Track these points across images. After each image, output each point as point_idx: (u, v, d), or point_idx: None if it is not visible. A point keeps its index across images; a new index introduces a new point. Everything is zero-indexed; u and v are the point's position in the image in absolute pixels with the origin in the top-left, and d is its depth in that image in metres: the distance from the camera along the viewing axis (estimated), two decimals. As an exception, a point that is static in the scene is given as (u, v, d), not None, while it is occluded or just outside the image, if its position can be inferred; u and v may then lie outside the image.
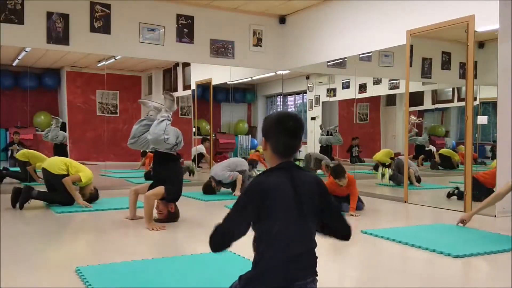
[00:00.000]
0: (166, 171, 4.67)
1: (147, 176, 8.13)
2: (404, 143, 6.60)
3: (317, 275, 1.95)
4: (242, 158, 8.03)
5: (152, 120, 4.72)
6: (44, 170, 5.72)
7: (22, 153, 7.35)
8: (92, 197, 5.78)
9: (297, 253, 1.87)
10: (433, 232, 4.32)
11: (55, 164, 5.66)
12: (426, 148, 8.71)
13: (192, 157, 9.39)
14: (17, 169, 7.54)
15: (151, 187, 4.77)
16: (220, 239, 1.89)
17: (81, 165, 5.80)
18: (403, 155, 6.77)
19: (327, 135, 9.48)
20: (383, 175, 7.78)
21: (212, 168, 7.06)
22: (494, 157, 6.78)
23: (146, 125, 4.73)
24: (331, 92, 9.57)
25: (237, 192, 6.48)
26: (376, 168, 8.93)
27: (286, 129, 1.89)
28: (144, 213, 4.55)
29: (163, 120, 4.60)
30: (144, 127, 4.74)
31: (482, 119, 5.78)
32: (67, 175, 5.58)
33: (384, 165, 8.87)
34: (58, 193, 5.57)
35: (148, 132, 4.65)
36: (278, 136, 1.91)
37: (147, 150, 7.21)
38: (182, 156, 7.16)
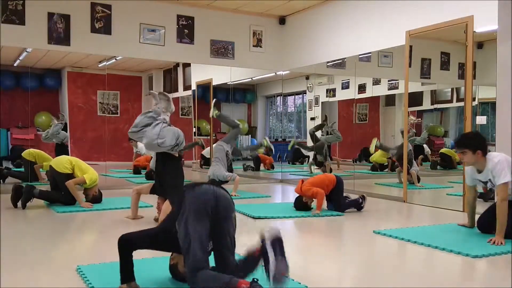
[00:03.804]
0: (166, 171, 4.65)
1: (148, 176, 8.17)
2: (404, 143, 6.63)
3: None
4: None
5: (158, 113, 4.65)
6: (51, 167, 5.70)
7: (28, 152, 7.31)
8: (94, 199, 5.71)
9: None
10: (444, 232, 4.31)
11: (61, 162, 5.65)
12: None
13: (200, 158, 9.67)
14: (20, 169, 7.56)
15: (153, 187, 4.79)
16: None
17: (87, 166, 5.74)
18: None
19: (326, 134, 9.51)
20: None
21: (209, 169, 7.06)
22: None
23: (151, 118, 4.59)
24: (331, 92, 9.59)
25: (233, 193, 6.34)
26: (373, 168, 8.97)
27: None
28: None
29: (158, 123, 4.52)
30: (149, 119, 4.57)
31: (481, 119, 5.79)
32: (71, 174, 5.59)
33: (382, 165, 8.92)
34: (60, 193, 5.58)
35: (144, 136, 4.56)
36: None
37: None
38: (183, 156, 7.20)
